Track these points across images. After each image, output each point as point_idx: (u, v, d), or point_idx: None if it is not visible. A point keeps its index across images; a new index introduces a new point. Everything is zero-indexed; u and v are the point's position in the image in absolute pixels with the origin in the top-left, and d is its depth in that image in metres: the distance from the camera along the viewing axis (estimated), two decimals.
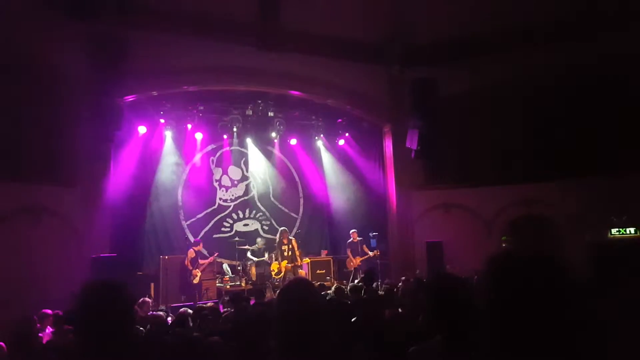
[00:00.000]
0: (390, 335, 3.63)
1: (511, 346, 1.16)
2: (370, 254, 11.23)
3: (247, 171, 13.05)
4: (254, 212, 12.94)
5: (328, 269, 11.79)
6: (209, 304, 6.58)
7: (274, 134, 12.63)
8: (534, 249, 1.30)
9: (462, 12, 9.91)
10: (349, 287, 6.41)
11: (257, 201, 13.04)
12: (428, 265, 9.98)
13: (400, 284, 7.15)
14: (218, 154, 12.75)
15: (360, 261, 11.21)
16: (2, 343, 3.99)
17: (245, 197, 12.94)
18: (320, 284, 8.52)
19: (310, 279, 10.59)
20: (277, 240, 10.87)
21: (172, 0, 9.29)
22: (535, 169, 10.12)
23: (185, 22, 9.38)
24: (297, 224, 12.89)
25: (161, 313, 6.09)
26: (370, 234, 11.72)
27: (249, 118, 12.00)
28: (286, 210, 13.34)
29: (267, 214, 13.05)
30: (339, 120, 13.02)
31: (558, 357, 1.12)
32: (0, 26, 7.48)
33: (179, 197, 11.92)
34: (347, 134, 13.37)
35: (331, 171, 13.63)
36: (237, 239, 11.67)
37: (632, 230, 9.17)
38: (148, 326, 5.07)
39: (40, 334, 4.74)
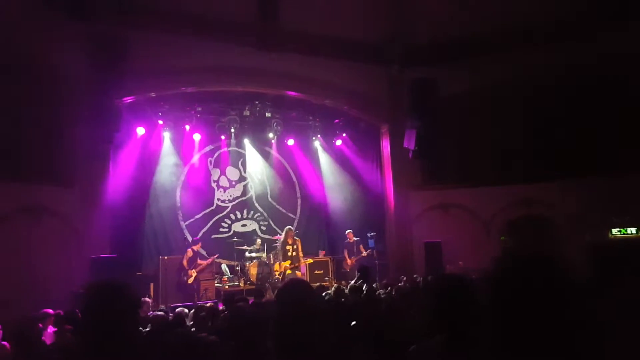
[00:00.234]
0: (389, 335, 3.66)
1: (512, 346, 1.18)
2: (364, 253, 11.26)
3: (244, 172, 13.06)
4: (252, 212, 12.96)
5: (326, 269, 11.81)
6: (208, 304, 6.59)
7: (271, 135, 12.64)
8: (533, 248, 1.32)
9: (461, 12, 9.96)
10: (348, 287, 6.43)
11: (254, 202, 13.06)
12: (426, 266, 10.00)
13: (400, 283, 7.19)
14: (216, 154, 12.75)
15: (355, 261, 11.27)
16: (5, 343, 4.00)
17: (243, 198, 12.95)
18: (319, 284, 8.53)
19: (308, 279, 10.62)
20: (282, 239, 10.81)
21: (170, 1, 9.30)
22: (534, 169, 10.15)
23: (184, 22, 9.39)
24: (295, 224, 12.89)
25: (161, 313, 6.11)
26: (368, 234, 11.75)
27: (247, 119, 12.00)
28: (284, 211, 13.35)
29: (265, 214, 13.06)
30: (337, 120, 13.04)
31: (557, 357, 1.13)
32: (1, 27, 7.47)
33: (178, 198, 11.93)
34: (344, 134, 13.40)
35: (329, 171, 13.64)
36: (235, 239, 11.69)
37: (634, 230, 9.20)
38: (149, 326, 5.09)
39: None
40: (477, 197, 10.83)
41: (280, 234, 11.96)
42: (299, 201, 13.63)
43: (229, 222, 12.59)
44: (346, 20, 10.30)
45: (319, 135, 13.32)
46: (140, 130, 10.92)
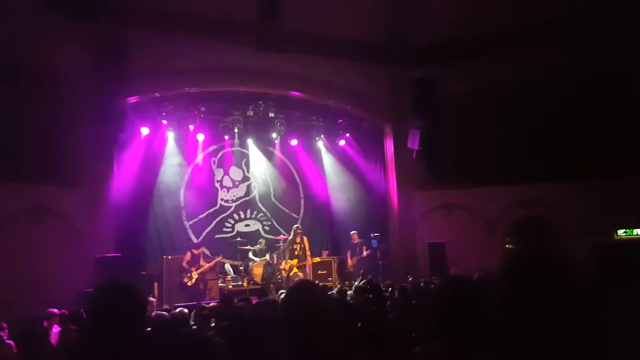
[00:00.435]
0: (393, 336, 3.66)
1: (521, 346, 1.18)
2: (364, 254, 11.26)
3: (248, 172, 13.08)
4: (255, 212, 12.97)
5: (330, 270, 11.82)
6: (211, 304, 6.60)
7: (274, 135, 12.66)
8: (538, 249, 1.33)
9: (462, 12, 9.94)
10: (353, 288, 6.40)
11: (258, 202, 13.07)
12: (431, 267, 9.99)
13: (405, 284, 7.17)
14: (219, 154, 12.78)
15: (356, 261, 11.28)
16: (11, 342, 4.02)
17: (247, 198, 12.97)
18: (322, 284, 8.54)
19: (311, 279, 10.61)
20: (291, 237, 10.79)
21: (172, 1, 9.32)
22: (536, 169, 10.15)
23: (186, 23, 9.42)
24: (298, 224, 12.88)
25: (165, 313, 6.12)
26: (372, 235, 11.74)
27: (250, 119, 12.03)
28: (287, 211, 13.36)
29: (268, 214, 13.08)
30: (340, 120, 13.04)
31: (563, 356, 1.14)
32: (1, 27, 7.51)
33: (182, 198, 11.96)
34: (347, 135, 13.39)
35: (332, 172, 13.64)
36: (238, 239, 11.72)
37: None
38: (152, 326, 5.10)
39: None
40: (480, 198, 10.82)
41: (283, 234, 11.99)
42: (302, 201, 13.64)
43: (233, 222, 12.62)
44: (347, 20, 10.30)
45: (322, 136, 13.32)
46: (145, 130, 10.95)
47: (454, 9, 9.99)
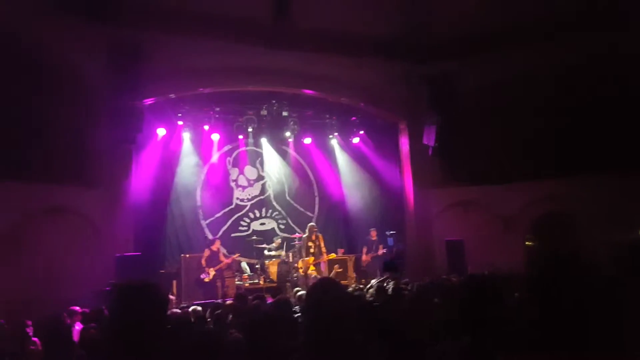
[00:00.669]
0: (412, 334, 3.64)
1: (546, 342, 1.18)
2: (379, 252, 11.28)
3: (262, 171, 13.14)
4: (270, 211, 13.03)
5: (345, 267, 11.82)
6: (227, 302, 6.65)
7: (288, 134, 12.69)
8: (559, 248, 1.35)
9: (480, 5, 9.78)
10: (375, 287, 6.37)
11: (272, 200, 13.13)
12: (448, 265, 9.88)
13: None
14: (234, 154, 12.88)
15: (370, 258, 11.31)
16: (36, 339, 4.12)
17: (262, 197, 13.04)
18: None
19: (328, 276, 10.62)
20: (307, 235, 10.83)
21: (185, 3, 9.38)
22: (555, 166, 9.96)
23: (200, 24, 9.45)
24: (313, 222, 12.91)
25: (178, 311, 6.18)
26: (387, 233, 11.70)
27: (264, 118, 12.07)
28: (302, 209, 13.39)
29: (283, 212, 13.12)
30: (353, 118, 12.99)
31: (584, 352, 1.14)
32: (22, 30, 7.65)
33: (198, 197, 12.10)
34: (361, 132, 13.33)
35: (346, 169, 13.62)
36: (254, 237, 11.80)
37: None
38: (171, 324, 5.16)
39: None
40: (498, 195, 10.68)
41: (298, 232, 12.02)
42: (317, 200, 13.65)
43: (248, 220, 12.70)
44: (360, 16, 10.22)
45: (336, 134, 13.30)
46: (161, 131, 11.10)
47: (470, 2, 9.85)
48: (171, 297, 7.34)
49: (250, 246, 11.61)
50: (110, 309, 1.89)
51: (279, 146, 13.27)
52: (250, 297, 6.22)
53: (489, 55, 10.28)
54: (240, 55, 9.86)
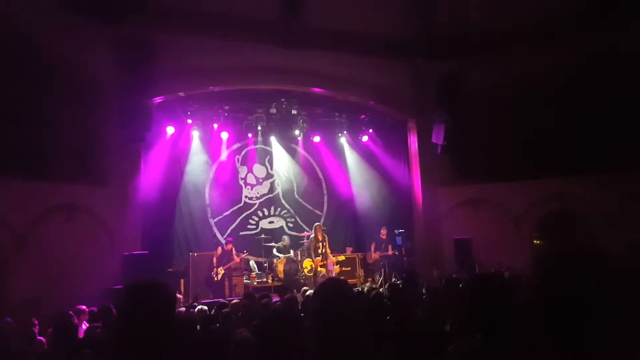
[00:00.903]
0: (424, 335, 3.60)
1: (559, 342, 1.18)
2: (389, 252, 11.25)
3: (271, 169, 13.15)
4: (279, 209, 13.04)
5: (354, 266, 11.79)
6: (233, 301, 6.63)
7: (297, 132, 12.69)
8: (568, 247, 1.34)
9: (489, 4, 9.70)
10: (387, 286, 6.33)
11: (281, 199, 13.13)
12: (457, 263, 9.85)
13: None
14: (243, 152, 12.89)
15: (379, 257, 11.28)
16: (42, 338, 4.12)
17: (270, 195, 13.05)
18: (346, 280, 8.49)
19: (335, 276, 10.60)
20: (313, 235, 10.81)
21: (195, 2, 9.40)
22: (565, 164, 9.86)
23: (210, 22, 9.48)
24: (322, 221, 12.90)
25: (183, 309, 6.18)
26: (396, 231, 11.66)
27: (273, 116, 12.07)
28: (310, 208, 13.38)
29: (292, 211, 13.12)
30: (363, 116, 12.97)
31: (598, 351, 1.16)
32: (32, 30, 7.70)
33: (207, 196, 12.13)
34: (370, 130, 13.31)
35: (355, 168, 13.59)
36: (263, 236, 11.80)
37: None
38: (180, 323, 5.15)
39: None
40: (507, 193, 10.57)
41: (307, 231, 12.00)
42: (326, 198, 13.63)
43: (257, 219, 12.71)
44: (370, 14, 10.18)
45: (345, 132, 13.28)
46: (170, 129, 11.14)
47: (478, 2, 9.77)
48: (179, 295, 7.34)
49: (259, 245, 11.62)
50: (118, 308, 1.88)
51: (288, 144, 13.27)
52: (257, 296, 6.22)
53: (496, 53, 10.20)
54: (250, 53, 9.85)
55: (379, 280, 10.65)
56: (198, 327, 4.86)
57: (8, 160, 7.28)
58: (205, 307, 5.78)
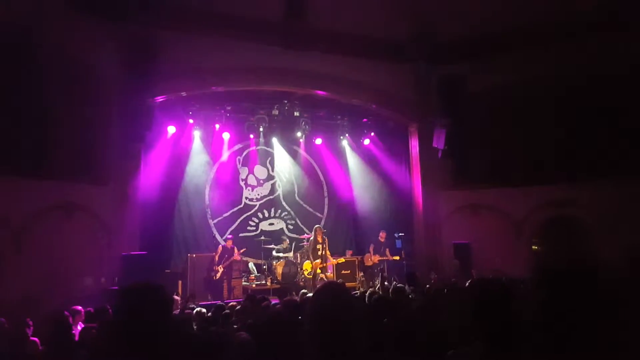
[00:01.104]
0: (421, 338, 3.57)
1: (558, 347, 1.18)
2: (389, 257, 11.26)
3: (272, 170, 13.12)
4: (279, 211, 13.01)
5: (353, 269, 11.75)
6: (230, 303, 6.60)
7: (299, 134, 12.67)
8: (567, 253, 1.35)
9: (491, 7, 9.69)
10: (391, 289, 6.30)
11: (282, 200, 13.10)
12: (455, 268, 9.83)
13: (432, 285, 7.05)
14: (244, 153, 12.87)
15: (378, 260, 11.29)
16: (35, 339, 4.08)
17: (271, 197, 13.02)
18: (344, 283, 8.47)
19: (335, 279, 10.56)
20: (313, 237, 10.77)
21: (199, 2, 9.40)
22: (566, 170, 9.83)
23: (213, 23, 9.49)
24: (322, 223, 12.87)
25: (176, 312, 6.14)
26: (396, 235, 11.65)
27: (275, 118, 12.07)
28: (311, 210, 13.35)
29: (292, 213, 13.09)
30: (365, 119, 12.98)
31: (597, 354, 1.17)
32: (35, 27, 7.69)
33: (207, 197, 12.09)
34: (372, 134, 13.31)
35: (356, 171, 13.59)
36: (262, 238, 11.76)
37: None
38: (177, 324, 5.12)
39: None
40: (508, 198, 10.55)
41: (307, 233, 11.97)
42: (326, 200, 13.61)
43: (257, 220, 12.68)
44: (373, 18, 10.19)
45: (347, 135, 13.28)
46: (171, 129, 11.12)
47: (481, 4, 9.76)
48: (176, 297, 7.30)
49: (258, 246, 11.58)
50: (114, 311, 1.86)
51: (290, 146, 13.26)
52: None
53: (498, 58, 10.20)
54: (253, 54, 9.86)
55: (377, 284, 10.61)
56: (195, 328, 4.84)
57: (7, 158, 7.25)
58: (204, 310, 5.74)
